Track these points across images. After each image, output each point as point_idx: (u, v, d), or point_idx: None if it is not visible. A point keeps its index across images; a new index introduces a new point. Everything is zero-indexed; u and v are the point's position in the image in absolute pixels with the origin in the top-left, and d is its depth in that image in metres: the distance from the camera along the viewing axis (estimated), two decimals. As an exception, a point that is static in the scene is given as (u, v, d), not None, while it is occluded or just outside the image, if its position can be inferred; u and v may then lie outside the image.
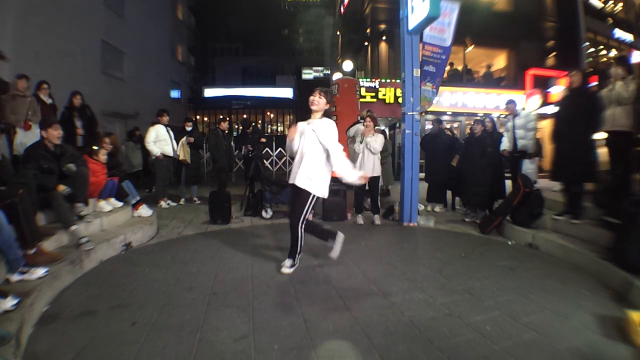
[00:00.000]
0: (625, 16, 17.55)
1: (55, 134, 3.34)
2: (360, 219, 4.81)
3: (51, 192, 3.12)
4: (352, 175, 2.84)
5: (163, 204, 5.72)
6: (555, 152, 3.85)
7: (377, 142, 4.59)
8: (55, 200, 3.08)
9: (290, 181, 2.88)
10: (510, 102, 5.00)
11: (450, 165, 5.61)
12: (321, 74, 31.54)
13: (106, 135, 4.53)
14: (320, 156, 2.83)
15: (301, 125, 2.96)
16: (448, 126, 12.55)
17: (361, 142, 4.67)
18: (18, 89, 4.50)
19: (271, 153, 11.42)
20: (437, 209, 5.81)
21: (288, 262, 2.97)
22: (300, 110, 26.84)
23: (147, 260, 3.23)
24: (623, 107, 3.46)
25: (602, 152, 3.80)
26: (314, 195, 2.84)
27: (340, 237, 2.99)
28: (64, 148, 3.51)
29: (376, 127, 4.90)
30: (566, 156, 3.67)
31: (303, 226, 2.90)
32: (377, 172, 4.71)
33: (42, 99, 4.87)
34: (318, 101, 2.85)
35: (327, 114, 2.97)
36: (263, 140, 5.93)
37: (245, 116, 25.69)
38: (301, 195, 2.82)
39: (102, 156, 4.17)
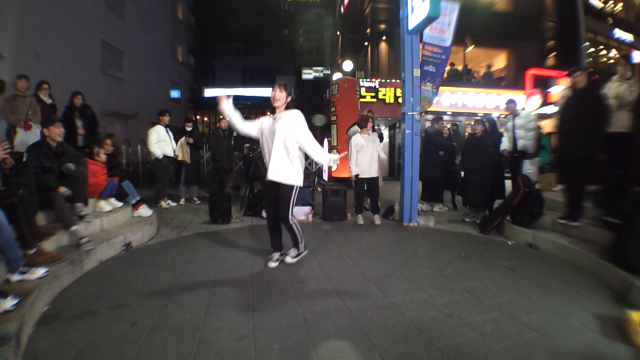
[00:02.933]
0: (625, 16, 17.55)
1: (57, 131, 3.37)
2: (360, 219, 4.81)
3: (52, 191, 3.12)
4: (326, 158, 2.92)
5: (163, 204, 5.72)
6: (560, 154, 3.77)
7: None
8: (56, 200, 3.08)
9: (270, 178, 2.86)
10: (511, 102, 5.00)
11: (446, 164, 5.57)
12: (321, 74, 31.56)
13: (107, 136, 4.53)
14: (293, 147, 2.88)
15: (265, 120, 3.02)
16: (449, 126, 12.57)
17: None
18: (18, 89, 4.50)
19: None
20: (437, 208, 5.77)
21: (293, 251, 3.16)
22: (300, 110, 26.80)
23: (147, 260, 3.22)
24: (624, 108, 3.46)
25: (602, 152, 3.78)
26: (296, 187, 2.91)
27: (304, 253, 3.20)
28: (65, 147, 3.52)
29: (376, 128, 4.91)
30: (571, 158, 3.60)
31: (293, 219, 2.99)
32: (376, 172, 4.72)
33: (42, 99, 4.88)
34: (280, 96, 2.93)
35: (289, 106, 2.99)
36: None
37: (244, 116, 25.64)
38: (284, 190, 2.89)
39: (102, 156, 4.17)
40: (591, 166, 3.49)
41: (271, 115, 3.05)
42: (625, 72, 3.52)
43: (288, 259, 3.12)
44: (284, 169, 2.86)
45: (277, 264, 3.07)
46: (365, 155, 4.65)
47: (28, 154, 3.25)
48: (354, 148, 4.69)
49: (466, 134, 11.69)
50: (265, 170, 2.93)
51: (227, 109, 2.90)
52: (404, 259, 3.32)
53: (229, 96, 2.92)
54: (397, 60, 11.54)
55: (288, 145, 2.85)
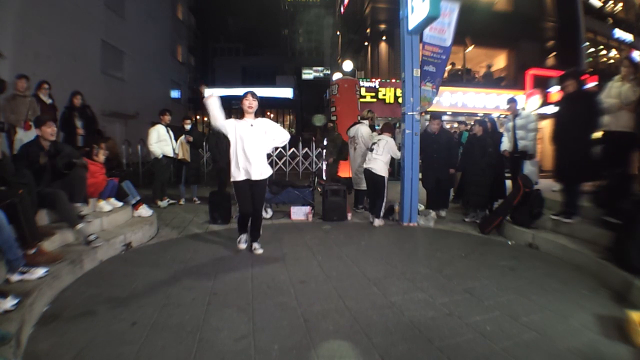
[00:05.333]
0: (625, 16, 17.56)
1: (49, 131, 3.36)
2: (378, 221, 4.68)
3: (53, 192, 3.12)
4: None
5: (160, 203, 5.71)
6: (555, 153, 3.85)
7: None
8: (59, 199, 3.08)
9: (255, 178, 3.21)
10: (512, 101, 4.97)
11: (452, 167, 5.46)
12: (321, 74, 31.56)
13: (103, 140, 4.49)
14: (266, 149, 3.33)
15: (241, 124, 3.23)
16: (448, 126, 12.59)
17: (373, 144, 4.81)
18: (18, 89, 4.50)
19: (271, 154, 11.30)
20: (444, 213, 5.29)
21: (258, 244, 3.46)
22: (300, 110, 26.80)
23: (147, 260, 3.22)
24: (626, 108, 3.46)
25: (603, 152, 3.80)
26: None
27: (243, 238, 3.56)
28: (59, 147, 3.51)
29: (376, 127, 4.92)
30: (565, 157, 3.67)
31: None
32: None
33: (42, 99, 4.87)
34: (254, 104, 3.25)
35: (257, 114, 3.34)
36: None
37: None
38: (261, 186, 3.30)
39: (101, 156, 4.16)
40: (585, 165, 3.52)
41: (239, 119, 3.28)
42: (629, 73, 3.52)
43: (259, 251, 3.41)
44: (264, 167, 3.28)
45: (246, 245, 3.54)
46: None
47: (20, 152, 3.26)
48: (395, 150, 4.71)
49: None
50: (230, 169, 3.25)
51: (214, 104, 3.17)
52: (404, 259, 3.32)
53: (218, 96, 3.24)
54: (397, 60, 11.53)
55: (266, 147, 3.31)
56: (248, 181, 3.23)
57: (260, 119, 3.32)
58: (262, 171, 3.24)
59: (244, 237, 3.57)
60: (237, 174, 3.22)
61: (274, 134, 3.30)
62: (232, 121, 3.25)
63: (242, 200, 3.31)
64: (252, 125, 3.23)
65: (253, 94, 3.29)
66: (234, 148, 3.22)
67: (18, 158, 3.25)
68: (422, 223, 4.74)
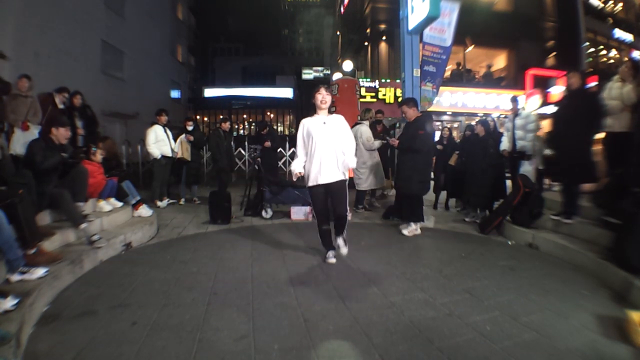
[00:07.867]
0: (625, 16, 17.56)
1: (64, 134, 3.42)
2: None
3: (58, 192, 3.12)
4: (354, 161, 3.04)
5: (160, 203, 5.70)
6: (554, 152, 3.85)
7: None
8: (64, 199, 3.08)
9: (326, 181, 2.92)
10: (514, 101, 4.96)
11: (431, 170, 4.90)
12: (321, 74, 31.59)
13: (101, 140, 4.48)
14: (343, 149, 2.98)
15: (313, 122, 2.98)
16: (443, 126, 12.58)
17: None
18: (19, 89, 4.49)
19: (284, 153, 10.73)
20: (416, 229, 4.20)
21: (341, 241, 3.10)
22: (300, 110, 26.82)
23: (147, 260, 3.22)
24: (627, 109, 3.46)
25: (603, 152, 3.79)
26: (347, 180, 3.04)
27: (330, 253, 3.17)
28: (67, 147, 3.54)
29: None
30: (564, 157, 3.66)
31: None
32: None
33: (56, 102, 4.91)
34: (328, 99, 2.96)
35: (331, 110, 3.06)
36: (267, 144, 5.99)
37: (244, 116, 25.65)
38: (341, 187, 2.97)
39: (98, 156, 4.14)
40: (585, 165, 3.52)
41: (312, 116, 3.05)
42: (629, 74, 3.50)
43: (343, 250, 3.10)
44: (340, 168, 2.96)
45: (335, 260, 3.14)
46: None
47: (31, 148, 3.25)
48: None
49: (466, 134, 11.67)
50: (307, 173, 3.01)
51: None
52: (404, 259, 3.32)
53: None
54: (397, 60, 11.54)
55: (340, 148, 2.95)
56: (321, 186, 2.96)
57: (334, 116, 3.02)
58: (334, 173, 2.92)
59: (331, 252, 3.15)
60: (311, 179, 2.96)
61: (343, 137, 2.98)
62: (303, 123, 2.99)
63: (318, 208, 3.08)
64: (324, 122, 2.95)
65: (326, 88, 2.98)
66: (308, 150, 2.98)
67: (29, 153, 3.23)
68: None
